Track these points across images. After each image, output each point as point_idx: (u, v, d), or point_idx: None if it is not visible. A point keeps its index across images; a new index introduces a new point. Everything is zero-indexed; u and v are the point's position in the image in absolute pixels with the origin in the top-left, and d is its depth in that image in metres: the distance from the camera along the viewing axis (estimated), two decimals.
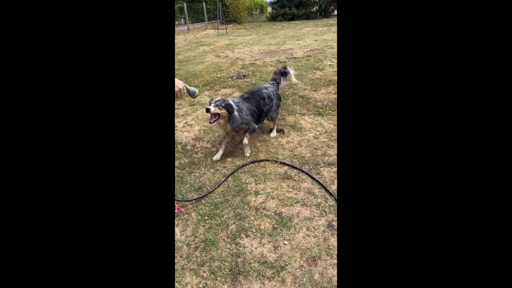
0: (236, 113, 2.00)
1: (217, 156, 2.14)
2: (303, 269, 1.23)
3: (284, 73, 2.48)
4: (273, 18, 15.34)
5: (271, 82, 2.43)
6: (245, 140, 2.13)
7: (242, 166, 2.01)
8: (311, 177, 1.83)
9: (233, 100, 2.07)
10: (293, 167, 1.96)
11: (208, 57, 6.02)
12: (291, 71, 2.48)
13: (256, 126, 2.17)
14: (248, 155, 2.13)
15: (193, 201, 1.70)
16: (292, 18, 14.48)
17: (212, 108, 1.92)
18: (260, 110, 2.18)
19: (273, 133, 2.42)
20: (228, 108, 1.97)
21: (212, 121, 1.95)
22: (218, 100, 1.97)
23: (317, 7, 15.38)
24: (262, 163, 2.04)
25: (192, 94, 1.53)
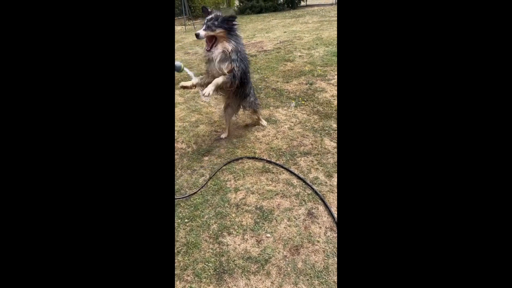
0: (235, 39, 1.62)
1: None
2: (287, 259, 1.25)
3: None
4: (241, 11, 15.11)
5: None
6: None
7: (234, 160, 1.98)
8: (293, 173, 1.86)
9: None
10: (278, 165, 1.97)
11: (177, 54, 5.80)
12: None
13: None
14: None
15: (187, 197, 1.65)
16: (260, 11, 14.38)
17: (202, 33, 1.50)
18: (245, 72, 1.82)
19: (263, 122, 2.42)
20: (225, 24, 1.54)
21: (208, 48, 1.57)
22: (210, 19, 1.54)
23: None
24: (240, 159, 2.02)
25: (177, 70, 1.36)
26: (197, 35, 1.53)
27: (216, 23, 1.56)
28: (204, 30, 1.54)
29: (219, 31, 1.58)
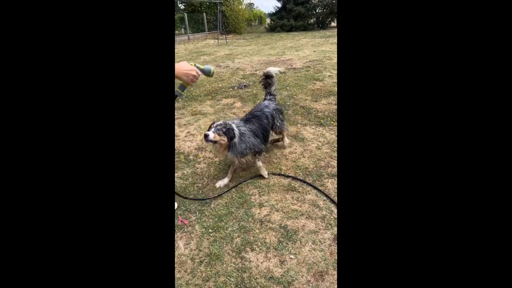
0: (236, 139, 1.79)
1: (220, 183, 1.93)
2: (310, 284, 1.21)
3: (267, 76, 2.22)
4: (272, 29, 15.64)
5: (268, 98, 2.24)
6: (259, 163, 1.97)
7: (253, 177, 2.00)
8: (323, 193, 1.82)
9: (234, 123, 1.86)
10: (305, 182, 1.95)
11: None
12: (272, 69, 2.22)
13: (263, 147, 1.99)
14: (266, 176, 1.98)
15: (206, 200, 1.68)
16: (290, 29, 14.78)
17: (211, 135, 1.71)
18: (265, 129, 2.03)
19: (286, 140, 2.40)
20: (229, 133, 1.76)
21: (207, 140, 1.74)
22: (220, 125, 1.77)
23: (315, 19, 15.73)
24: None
25: (207, 73, 1.38)
26: (206, 136, 1.71)
27: (223, 129, 1.74)
28: (213, 132, 1.74)
29: (223, 138, 1.75)
